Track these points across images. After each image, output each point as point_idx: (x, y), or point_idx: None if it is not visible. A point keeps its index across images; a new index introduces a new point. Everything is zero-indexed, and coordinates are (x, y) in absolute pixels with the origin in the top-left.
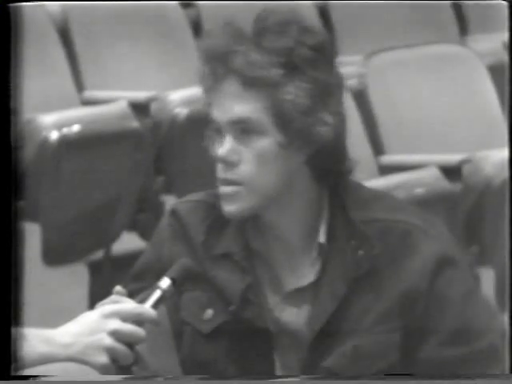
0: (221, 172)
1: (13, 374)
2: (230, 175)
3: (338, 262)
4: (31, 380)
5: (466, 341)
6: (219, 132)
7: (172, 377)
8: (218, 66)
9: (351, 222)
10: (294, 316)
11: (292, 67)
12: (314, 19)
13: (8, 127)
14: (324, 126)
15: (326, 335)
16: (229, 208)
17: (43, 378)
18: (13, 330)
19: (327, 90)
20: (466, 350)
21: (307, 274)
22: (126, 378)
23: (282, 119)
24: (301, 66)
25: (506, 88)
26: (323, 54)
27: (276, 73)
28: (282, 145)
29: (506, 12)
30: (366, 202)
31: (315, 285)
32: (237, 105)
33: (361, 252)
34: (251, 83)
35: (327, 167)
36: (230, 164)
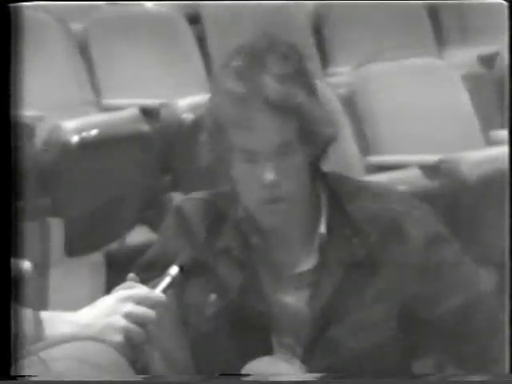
0: (265, 193)
1: (13, 373)
2: (275, 194)
3: (335, 249)
4: (31, 380)
5: (458, 296)
6: (252, 159)
7: (172, 377)
8: (243, 97)
9: (345, 211)
10: (294, 298)
11: (310, 90)
12: (306, 34)
13: (8, 127)
14: (331, 127)
15: (326, 313)
16: (273, 222)
17: (43, 379)
18: (12, 330)
19: (318, 92)
20: (458, 302)
21: (307, 261)
22: (126, 379)
23: (307, 137)
24: (315, 89)
25: (479, 95)
26: (314, 75)
27: (299, 99)
28: (304, 163)
29: (506, 12)
30: (356, 192)
31: (314, 270)
32: (275, 132)
33: (355, 240)
34: (284, 110)
35: (320, 161)
36: (275, 185)
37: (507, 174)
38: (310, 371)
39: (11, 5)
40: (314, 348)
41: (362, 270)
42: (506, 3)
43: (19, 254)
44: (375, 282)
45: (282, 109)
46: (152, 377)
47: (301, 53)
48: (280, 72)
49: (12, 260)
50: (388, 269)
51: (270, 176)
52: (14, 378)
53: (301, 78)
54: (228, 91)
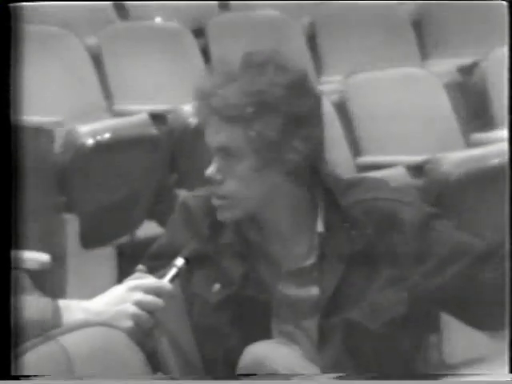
0: (213, 189)
1: (13, 373)
2: (216, 190)
3: (334, 244)
4: (31, 380)
5: (455, 265)
6: (211, 154)
7: (172, 377)
8: (202, 105)
9: (341, 207)
10: (295, 290)
11: (263, 105)
12: (301, 46)
13: (8, 127)
14: (293, 153)
15: (336, 301)
16: (221, 216)
17: (43, 378)
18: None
19: (299, 121)
20: (456, 270)
21: (308, 257)
22: (127, 379)
23: (254, 148)
24: (273, 104)
25: (459, 102)
26: (297, 90)
27: (247, 111)
28: (256, 168)
29: (506, 12)
30: (349, 188)
31: (315, 265)
32: (218, 135)
33: (353, 232)
34: (228, 120)
35: (307, 177)
36: (215, 182)
37: (486, 173)
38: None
39: (11, 5)
40: (329, 331)
41: (363, 260)
42: (505, 3)
43: (20, 247)
44: (380, 268)
45: (227, 118)
46: (153, 377)
47: (275, 75)
48: (244, 87)
49: (12, 260)
50: (390, 255)
51: (208, 171)
52: (14, 378)
53: (264, 98)
54: (197, 92)
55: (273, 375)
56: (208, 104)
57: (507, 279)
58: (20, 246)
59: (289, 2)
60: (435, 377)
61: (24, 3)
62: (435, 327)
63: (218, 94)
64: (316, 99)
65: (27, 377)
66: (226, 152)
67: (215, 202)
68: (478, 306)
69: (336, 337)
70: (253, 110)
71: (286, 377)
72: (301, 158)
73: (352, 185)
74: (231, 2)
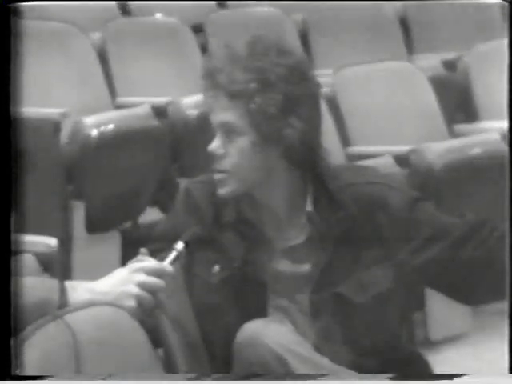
0: (214, 163)
1: (14, 373)
2: (218, 165)
3: (323, 223)
4: (31, 380)
5: (438, 244)
6: (214, 131)
7: (172, 377)
8: (208, 81)
9: (330, 190)
10: (289, 267)
11: (266, 83)
12: (295, 41)
13: (8, 124)
14: (290, 129)
15: (326, 276)
16: (221, 191)
17: (43, 378)
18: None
19: (297, 100)
20: (445, 244)
21: (299, 235)
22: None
23: (254, 123)
24: (274, 82)
25: (443, 95)
26: (297, 71)
27: (251, 87)
28: (255, 143)
29: (506, 12)
30: (340, 173)
31: (305, 244)
32: (222, 111)
33: (340, 213)
34: (231, 95)
35: (304, 157)
36: (217, 156)
37: (468, 162)
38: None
39: (11, 5)
40: (319, 305)
41: (351, 239)
42: (505, 3)
43: (29, 232)
44: (367, 247)
45: (231, 94)
46: (153, 377)
47: (278, 56)
48: (249, 65)
49: (12, 260)
50: (377, 234)
51: (213, 144)
52: (14, 378)
53: (267, 76)
54: (203, 71)
55: (272, 375)
56: (213, 80)
57: (507, 270)
58: (28, 231)
59: (284, 1)
60: (436, 377)
61: (24, 3)
62: (420, 303)
63: (223, 70)
64: (314, 85)
65: (27, 377)
66: (228, 127)
67: (216, 176)
68: (461, 281)
69: (326, 310)
70: (255, 86)
71: (286, 377)
72: (296, 136)
73: (343, 170)
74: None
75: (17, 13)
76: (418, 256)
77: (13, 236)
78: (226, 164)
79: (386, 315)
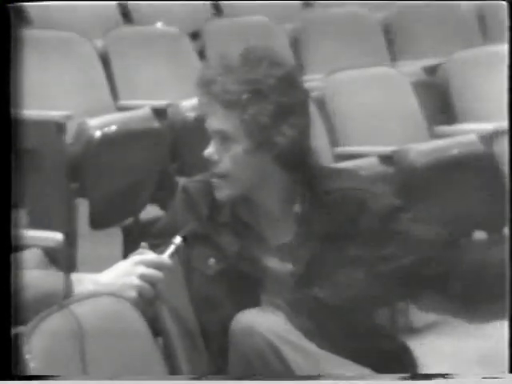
0: (210, 167)
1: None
2: (214, 170)
3: (309, 224)
4: (31, 380)
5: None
6: (210, 136)
7: (172, 377)
8: (204, 91)
9: (318, 194)
10: (277, 264)
11: (258, 94)
12: (285, 48)
13: (8, 124)
14: (282, 137)
15: (307, 276)
16: (218, 194)
17: (43, 378)
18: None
19: (288, 109)
20: (410, 260)
21: (287, 234)
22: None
23: (247, 132)
24: (266, 92)
25: (424, 98)
26: (287, 81)
27: (244, 98)
28: (249, 150)
29: (506, 12)
30: (326, 178)
31: (292, 242)
32: (216, 119)
33: (326, 216)
34: (225, 105)
35: (294, 161)
36: (212, 162)
37: (448, 161)
38: (295, 325)
39: (11, 5)
40: (299, 305)
41: (333, 241)
42: (505, 3)
43: (37, 227)
44: (345, 249)
45: (225, 103)
46: (154, 377)
47: (270, 68)
48: (242, 76)
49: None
50: (356, 238)
51: (207, 152)
52: (14, 378)
53: (259, 87)
54: (198, 81)
55: (272, 375)
56: (208, 90)
57: (507, 274)
58: (36, 227)
59: (276, 10)
60: (437, 377)
61: (24, 3)
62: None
63: (217, 81)
64: (304, 93)
65: (27, 377)
66: (222, 135)
67: (214, 181)
68: (420, 292)
69: (302, 311)
70: (248, 97)
71: (286, 377)
72: (287, 142)
73: (330, 175)
74: (224, 9)
75: (21, 16)
76: (387, 264)
77: (21, 232)
78: (221, 169)
79: (358, 316)
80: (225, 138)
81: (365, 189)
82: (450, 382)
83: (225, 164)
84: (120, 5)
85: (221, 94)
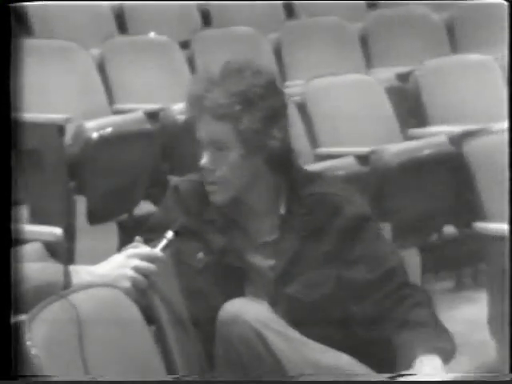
0: (205, 176)
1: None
2: (210, 178)
3: (292, 225)
4: (31, 380)
5: (382, 264)
6: (203, 147)
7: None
8: (195, 107)
9: (300, 196)
10: (260, 260)
11: (247, 103)
12: (270, 56)
13: (9, 126)
14: (273, 140)
15: (285, 274)
16: (214, 199)
17: (43, 378)
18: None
19: (276, 113)
20: (381, 272)
21: (271, 233)
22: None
23: (242, 139)
24: (254, 101)
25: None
26: (271, 88)
27: (235, 109)
28: (244, 156)
29: (506, 12)
30: (309, 182)
31: (276, 241)
32: (210, 131)
33: (307, 218)
34: (218, 117)
35: (280, 162)
36: (208, 171)
37: (420, 161)
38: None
39: (11, 5)
40: (276, 300)
41: (311, 241)
42: (505, 3)
43: (37, 222)
44: (321, 248)
45: (218, 116)
46: (154, 377)
47: (253, 78)
48: (229, 89)
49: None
50: (330, 238)
51: (203, 161)
52: (14, 378)
53: (247, 97)
54: (188, 96)
55: (256, 360)
56: (200, 105)
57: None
58: (37, 222)
59: (261, 21)
60: (438, 378)
61: (24, 3)
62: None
63: (207, 96)
64: (285, 96)
65: (27, 377)
66: (217, 145)
67: (208, 188)
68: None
69: (280, 307)
70: (240, 108)
71: (285, 377)
72: (278, 144)
73: (311, 179)
74: (213, 20)
75: (23, 24)
76: (348, 269)
77: (22, 227)
78: (216, 177)
79: (330, 312)
80: (219, 147)
81: (343, 196)
82: (450, 380)
83: (221, 171)
84: (116, 15)
85: (213, 108)
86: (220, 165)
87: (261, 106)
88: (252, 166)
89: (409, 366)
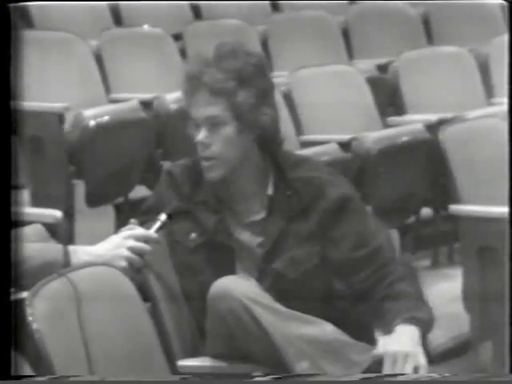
0: (200, 151)
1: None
2: (205, 153)
3: (279, 205)
4: (31, 380)
5: (367, 243)
6: (197, 125)
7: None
8: (193, 84)
9: (287, 179)
10: (249, 238)
11: (242, 80)
12: (257, 47)
13: (10, 114)
14: (265, 116)
15: (272, 251)
16: (209, 175)
17: (43, 378)
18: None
19: (266, 92)
20: (367, 250)
21: (259, 213)
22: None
23: (237, 114)
24: (248, 78)
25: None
26: (262, 68)
27: (231, 85)
28: (238, 131)
29: (506, 12)
30: (295, 165)
31: (263, 220)
32: (207, 107)
33: (293, 199)
34: (215, 92)
35: (269, 141)
36: (204, 145)
37: (398, 147)
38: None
39: (11, 5)
40: (263, 276)
41: (297, 220)
42: (506, 3)
43: (38, 206)
44: (306, 227)
45: (215, 91)
46: (154, 377)
47: (246, 57)
48: (224, 66)
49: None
50: (314, 218)
51: (200, 136)
52: (14, 378)
53: (241, 74)
54: (185, 75)
55: (246, 333)
56: (198, 82)
57: (506, 276)
58: (38, 205)
59: (249, 13)
60: (438, 377)
61: (24, 3)
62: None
63: (205, 73)
64: (271, 78)
65: (27, 377)
66: (212, 120)
67: (203, 163)
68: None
69: (267, 282)
70: (234, 84)
71: (286, 377)
72: (269, 121)
73: (298, 163)
74: (203, 13)
75: (23, 17)
76: (332, 247)
77: (23, 209)
78: (211, 152)
79: (314, 287)
80: (215, 123)
81: (326, 178)
82: (449, 379)
83: (216, 146)
84: (112, 9)
85: (211, 83)
86: (215, 140)
87: (254, 83)
88: (244, 142)
89: (388, 333)
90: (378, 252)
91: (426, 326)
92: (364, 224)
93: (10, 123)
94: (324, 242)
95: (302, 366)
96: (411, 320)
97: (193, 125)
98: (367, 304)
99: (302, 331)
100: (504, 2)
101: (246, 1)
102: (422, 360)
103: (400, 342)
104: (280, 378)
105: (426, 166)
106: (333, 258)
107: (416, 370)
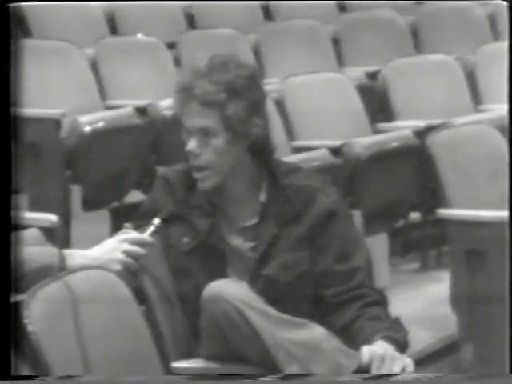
0: (191, 160)
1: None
2: (195, 162)
3: (271, 212)
4: (31, 380)
5: (347, 259)
6: (189, 134)
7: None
8: (184, 95)
9: (279, 186)
10: (241, 242)
11: (233, 92)
12: (249, 56)
13: (8, 122)
14: (256, 127)
15: (264, 256)
16: (201, 185)
17: (42, 378)
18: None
19: (257, 103)
20: (346, 267)
21: (252, 218)
22: (123, 298)
23: (228, 126)
24: (239, 91)
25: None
26: (254, 80)
27: (222, 97)
28: (229, 142)
29: (506, 12)
30: (288, 173)
31: (256, 226)
32: (198, 118)
33: (285, 206)
34: (206, 104)
35: (261, 150)
36: (195, 154)
37: (388, 153)
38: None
39: (11, 5)
40: (255, 280)
41: (289, 227)
42: (505, 3)
43: (34, 210)
44: (298, 232)
45: (206, 103)
46: (154, 377)
47: (237, 69)
48: (215, 79)
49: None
50: (304, 225)
51: (190, 145)
52: (14, 378)
53: (232, 87)
54: (177, 86)
55: (238, 335)
56: (189, 94)
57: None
58: (34, 209)
59: (241, 23)
60: (438, 376)
61: (24, 3)
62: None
63: (196, 85)
64: (263, 88)
65: (27, 377)
66: (204, 131)
67: (195, 174)
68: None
69: (259, 286)
70: (225, 96)
71: (286, 377)
72: (260, 132)
73: (290, 171)
74: (197, 22)
75: (21, 25)
76: (318, 254)
77: (21, 214)
78: (203, 161)
79: (305, 291)
80: (206, 134)
81: (318, 188)
82: (449, 379)
83: (207, 156)
84: (107, 18)
85: (202, 96)
86: (205, 149)
87: (245, 95)
88: (236, 152)
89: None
90: (356, 272)
91: (402, 348)
92: (347, 241)
93: (10, 129)
94: (312, 248)
95: (291, 369)
96: (389, 339)
97: (185, 132)
98: (344, 317)
99: (292, 334)
100: (504, 2)
101: (239, 0)
102: (409, 360)
103: (384, 348)
104: (280, 378)
105: (415, 171)
106: (317, 264)
107: (404, 370)
